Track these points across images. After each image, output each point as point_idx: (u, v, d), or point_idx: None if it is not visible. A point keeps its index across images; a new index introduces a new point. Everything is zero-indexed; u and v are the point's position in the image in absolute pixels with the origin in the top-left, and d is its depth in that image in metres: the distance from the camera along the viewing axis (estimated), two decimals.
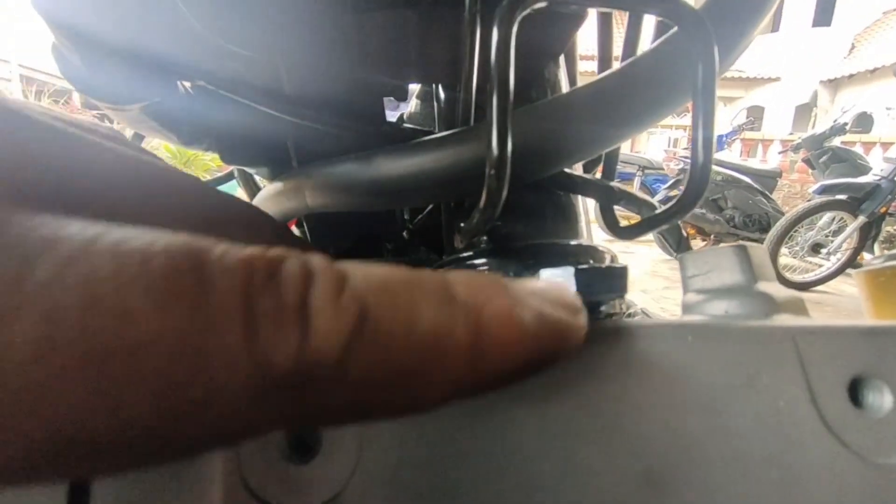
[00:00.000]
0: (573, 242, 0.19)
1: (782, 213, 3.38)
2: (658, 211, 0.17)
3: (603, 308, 0.17)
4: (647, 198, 0.19)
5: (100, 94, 0.18)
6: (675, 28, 0.16)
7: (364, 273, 0.09)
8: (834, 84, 10.88)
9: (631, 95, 0.16)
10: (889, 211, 2.99)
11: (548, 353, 0.10)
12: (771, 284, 0.15)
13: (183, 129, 0.20)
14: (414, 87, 0.38)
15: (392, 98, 0.25)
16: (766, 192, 3.64)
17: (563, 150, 0.16)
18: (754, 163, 4.16)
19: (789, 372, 0.13)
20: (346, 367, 0.08)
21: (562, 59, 0.24)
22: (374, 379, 0.08)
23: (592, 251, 0.18)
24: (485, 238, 0.20)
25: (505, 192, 0.14)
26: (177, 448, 0.07)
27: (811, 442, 0.12)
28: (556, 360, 0.10)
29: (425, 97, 0.34)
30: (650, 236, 4.20)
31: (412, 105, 0.37)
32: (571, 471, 0.12)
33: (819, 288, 3.14)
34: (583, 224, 0.20)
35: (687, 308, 0.16)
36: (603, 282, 0.14)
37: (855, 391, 0.13)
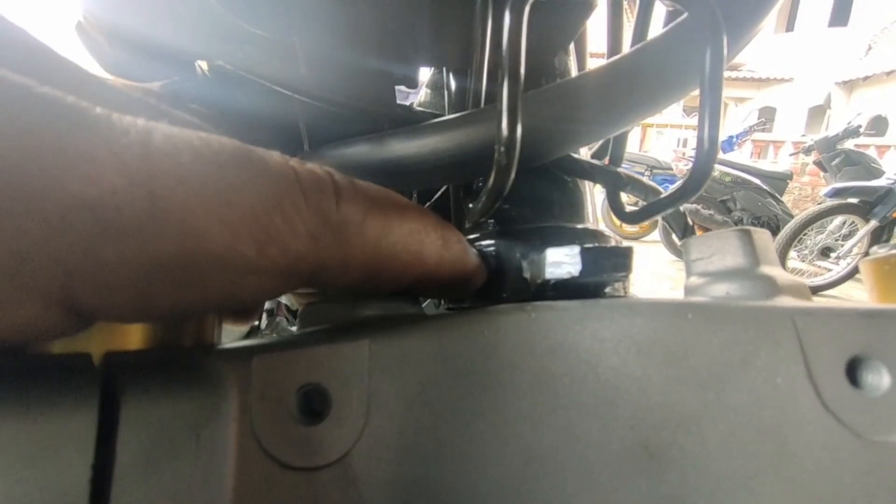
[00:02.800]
0: (579, 226, 0.19)
1: (792, 216, 3.35)
2: (662, 196, 0.18)
3: (607, 290, 0.17)
4: (653, 184, 0.19)
5: (123, 73, 0.18)
6: (684, 16, 0.16)
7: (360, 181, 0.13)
8: (849, 86, 10.71)
9: (638, 80, 0.16)
10: None
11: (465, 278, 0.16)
12: (773, 268, 0.15)
13: (199, 109, 0.20)
14: (423, 79, 0.38)
15: (402, 87, 0.25)
16: (776, 195, 3.61)
17: (569, 133, 0.16)
18: (765, 164, 4.12)
19: (787, 351, 0.13)
20: (366, 225, 0.12)
21: (572, 49, 0.24)
22: (382, 240, 0.12)
23: (598, 235, 0.18)
24: (492, 221, 0.20)
25: (514, 173, 0.14)
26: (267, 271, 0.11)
27: (807, 419, 0.13)
28: (468, 284, 0.16)
29: (435, 86, 0.35)
30: (657, 237, 4.18)
31: (421, 94, 0.37)
32: (571, 441, 0.13)
33: (827, 293, 3.11)
34: (589, 209, 0.20)
35: (689, 291, 0.17)
36: (608, 260, 0.15)
37: (853, 371, 0.13)
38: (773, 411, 0.13)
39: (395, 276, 0.13)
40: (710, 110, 0.15)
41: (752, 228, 0.16)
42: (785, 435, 0.13)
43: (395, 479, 0.13)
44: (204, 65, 0.20)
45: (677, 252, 3.78)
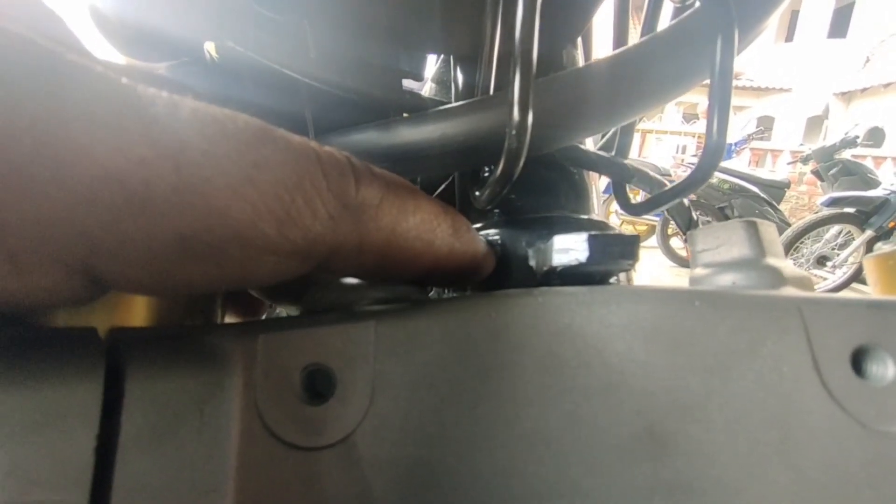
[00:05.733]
0: (583, 217, 0.19)
1: (789, 225, 3.37)
2: (667, 187, 0.18)
3: (612, 281, 0.17)
4: (658, 176, 0.19)
5: (133, 52, 0.18)
6: (696, 7, 0.16)
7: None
8: (847, 97, 10.79)
9: (648, 69, 0.16)
10: None
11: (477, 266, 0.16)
12: (779, 260, 0.15)
13: (205, 94, 0.20)
14: (427, 75, 0.38)
15: (407, 83, 0.25)
16: (774, 203, 3.63)
17: (578, 121, 0.16)
18: (763, 173, 4.14)
19: (793, 340, 0.13)
20: (382, 210, 0.12)
21: (580, 44, 0.24)
22: (396, 227, 0.12)
23: (603, 225, 0.18)
24: (497, 211, 0.20)
25: (523, 159, 0.14)
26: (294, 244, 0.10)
27: (812, 407, 0.13)
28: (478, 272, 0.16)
29: (440, 80, 0.35)
30: (654, 242, 4.20)
31: (426, 89, 0.37)
32: (576, 425, 0.13)
33: None
34: (594, 201, 0.20)
35: (694, 281, 0.17)
36: (615, 248, 0.15)
37: (858, 361, 0.13)
38: (778, 399, 0.13)
39: (407, 263, 0.13)
40: (720, 102, 0.15)
41: (758, 220, 0.16)
42: (790, 423, 0.13)
43: (399, 461, 0.13)
44: (212, 48, 0.20)
45: (675, 257, 3.78)
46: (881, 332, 0.13)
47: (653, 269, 3.80)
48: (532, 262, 0.17)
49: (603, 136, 0.24)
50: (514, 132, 0.13)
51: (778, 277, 0.15)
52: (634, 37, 0.21)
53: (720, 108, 0.15)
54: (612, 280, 0.18)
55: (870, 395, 0.13)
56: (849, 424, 0.12)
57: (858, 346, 0.13)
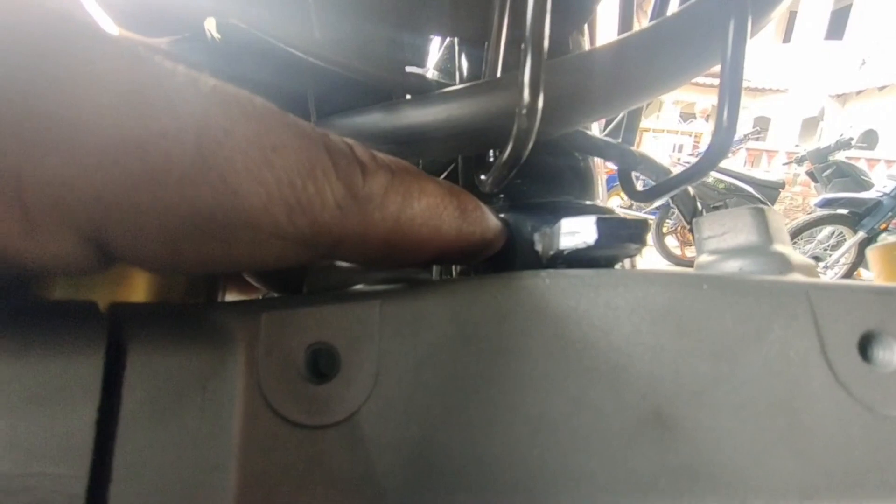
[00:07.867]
0: (588, 202, 0.19)
1: None
2: (673, 175, 0.18)
3: (617, 267, 0.17)
4: (663, 164, 0.19)
5: (132, 25, 0.18)
6: None
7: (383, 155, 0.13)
8: (842, 99, 10.86)
9: (658, 53, 0.16)
10: (889, 228, 3.01)
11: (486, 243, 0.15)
12: (786, 247, 0.15)
13: (205, 70, 0.20)
14: (430, 64, 0.37)
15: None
16: (768, 203, 3.65)
17: (586, 104, 0.16)
18: (758, 173, 4.16)
19: (801, 325, 0.13)
20: (387, 199, 0.12)
21: (586, 30, 0.24)
22: (401, 215, 0.12)
23: (608, 211, 0.18)
24: (501, 196, 0.20)
25: (532, 141, 0.14)
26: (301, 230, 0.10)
27: (820, 392, 0.13)
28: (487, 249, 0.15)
29: (443, 67, 0.34)
30: (649, 240, 4.20)
31: (429, 76, 0.37)
32: (582, 408, 0.13)
33: None
34: (598, 187, 0.20)
35: (700, 268, 0.16)
36: (623, 231, 0.14)
37: (865, 347, 0.13)
38: (785, 384, 0.13)
39: (414, 250, 0.13)
40: (731, 89, 0.15)
41: (765, 207, 0.16)
42: (797, 408, 0.13)
43: (403, 441, 0.12)
44: (212, 26, 0.20)
45: (670, 256, 3.81)
46: (889, 318, 0.13)
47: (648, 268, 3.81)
48: (538, 247, 0.17)
49: (608, 124, 0.24)
50: (524, 113, 0.13)
51: (785, 264, 0.15)
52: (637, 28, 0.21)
53: (731, 95, 0.15)
54: (618, 266, 0.17)
55: (877, 380, 0.13)
56: (855, 409, 0.12)
57: (866, 332, 0.13)
